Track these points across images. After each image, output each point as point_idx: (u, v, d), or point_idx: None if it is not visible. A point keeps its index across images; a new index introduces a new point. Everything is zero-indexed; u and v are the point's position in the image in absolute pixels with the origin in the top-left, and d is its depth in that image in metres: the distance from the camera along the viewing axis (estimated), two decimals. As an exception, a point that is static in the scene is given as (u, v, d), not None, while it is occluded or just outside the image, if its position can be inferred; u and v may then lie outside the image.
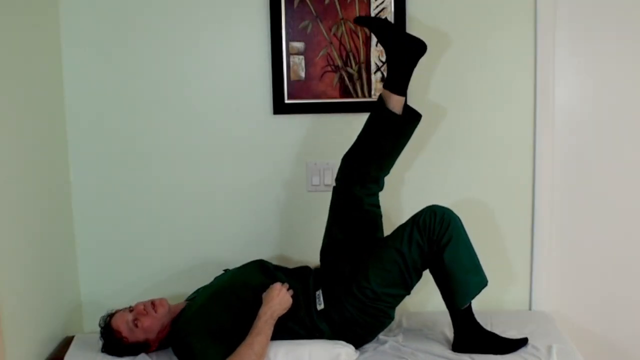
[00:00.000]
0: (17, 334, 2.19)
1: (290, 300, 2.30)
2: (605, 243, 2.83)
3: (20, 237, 2.28)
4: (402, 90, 2.36)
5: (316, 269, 2.52)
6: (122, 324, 2.32)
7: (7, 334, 2.10)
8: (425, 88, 2.70)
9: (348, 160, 2.47)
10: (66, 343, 2.53)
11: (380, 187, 2.51)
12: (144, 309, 2.32)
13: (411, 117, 2.40)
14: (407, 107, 2.40)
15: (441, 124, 2.58)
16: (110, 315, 2.38)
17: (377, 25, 2.40)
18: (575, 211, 2.81)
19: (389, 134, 2.39)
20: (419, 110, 2.41)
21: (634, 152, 2.78)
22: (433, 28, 2.62)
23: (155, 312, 2.32)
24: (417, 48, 2.34)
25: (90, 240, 2.79)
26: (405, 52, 2.34)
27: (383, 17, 2.38)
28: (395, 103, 2.36)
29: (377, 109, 2.40)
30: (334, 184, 2.53)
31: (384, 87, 2.39)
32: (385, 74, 2.67)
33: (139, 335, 2.31)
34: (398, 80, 2.36)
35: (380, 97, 2.40)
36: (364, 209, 2.47)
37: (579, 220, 2.82)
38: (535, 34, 2.67)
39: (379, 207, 2.52)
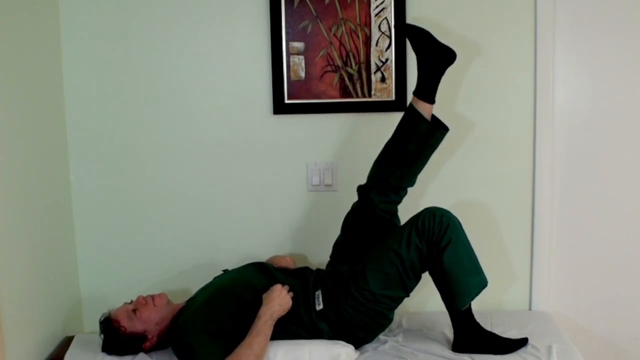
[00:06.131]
0: (17, 334, 2.20)
1: (290, 302, 2.30)
2: (606, 243, 2.82)
3: (20, 237, 2.28)
4: (429, 98, 2.38)
5: (317, 269, 2.52)
6: (121, 314, 2.36)
7: (7, 334, 2.10)
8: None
9: (374, 165, 2.49)
10: (66, 343, 2.53)
11: (400, 198, 2.51)
12: (144, 300, 2.38)
13: (438, 127, 2.42)
14: (435, 119, 2.42)
15: (441, 124, 2.59)
16: (112, 311, 2.41)
17: (411, 32, 2.41)
18: (575, 211, 2.81)
19: (413, 140, 2.40)
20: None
21: (634, 151, 2.78)
22: (433, 28, 2.62)
23: (154, 304, 2.36)
24: (446, 57, 2.36)
25: (90, 240, 2.79)
26: (434, 60, 2.36)
27: (419, 25, 2.41)
28: (424, 111, 2.38)
29: (407, 113, 2.42)
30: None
31: (414, 94, 2.41)
32: (384, 74, 2.68)
33: (137, 325, 2.33)
34: (426, 87, 2.38)
35: (411, 104, 2.42)
36: (376, 214, 2.47)
37: (579, 221, 2.82)
38: (535, 34, 2.67)
39: (395, 216, 2.52)
